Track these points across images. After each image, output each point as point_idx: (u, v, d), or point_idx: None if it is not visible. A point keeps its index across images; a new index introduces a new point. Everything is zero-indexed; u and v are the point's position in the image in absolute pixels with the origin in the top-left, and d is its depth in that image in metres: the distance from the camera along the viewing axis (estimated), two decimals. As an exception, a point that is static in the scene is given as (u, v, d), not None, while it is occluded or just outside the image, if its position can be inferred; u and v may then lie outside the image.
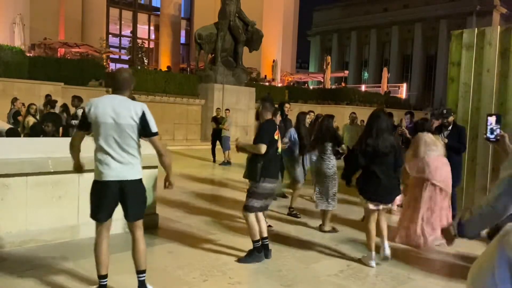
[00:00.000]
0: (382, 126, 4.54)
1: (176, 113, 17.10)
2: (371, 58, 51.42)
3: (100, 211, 3.33)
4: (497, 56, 6.58)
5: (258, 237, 4.46)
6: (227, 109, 13.51)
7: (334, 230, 5.81)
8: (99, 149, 3.26)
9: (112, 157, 3.24)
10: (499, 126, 2.33)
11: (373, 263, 4.51)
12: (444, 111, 6.30)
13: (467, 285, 0.75)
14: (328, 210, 5.78)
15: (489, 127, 2.44)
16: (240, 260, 4.47)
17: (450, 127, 6.30)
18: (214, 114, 14.06)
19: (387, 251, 4.65)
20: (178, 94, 17.85)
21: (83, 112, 3.29)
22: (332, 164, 5.79)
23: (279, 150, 4.62)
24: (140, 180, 3.38)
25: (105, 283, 3.37)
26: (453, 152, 6.06)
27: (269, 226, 5.65)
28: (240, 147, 4.53)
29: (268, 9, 30.90)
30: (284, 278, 4.12)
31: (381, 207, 4.64)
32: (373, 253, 4.55)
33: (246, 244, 5.28)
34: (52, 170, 4.57)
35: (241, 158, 12.82)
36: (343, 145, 5.94)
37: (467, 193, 6.70)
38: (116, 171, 3.24)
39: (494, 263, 0.68)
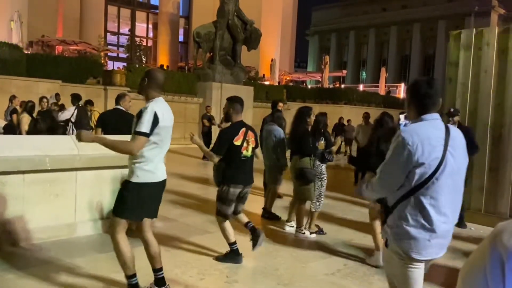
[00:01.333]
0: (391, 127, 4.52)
1: (174, 112, 16.53)
2: (369, 58, 51.47)
3: (156, 208, 3.43)
4: (495, 57, 6.60)
5: (232, 240, 4.44)
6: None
7: (321, 231, 5.65)
8: (157, 151, 3.23)
9: (163, 159, 3.37)
10: (410, 122, 2.42)
11: (381, 263, 4.51)
12: (452, 109, 6.28)
13: (458, 283, 0.75)
14: (314, 211, 5.63)
15: (402, 124, 2.69)
16: (218, 258, 4.48)
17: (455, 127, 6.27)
18: (204, 111, 14.07)
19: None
20: (176, 92, 17.81)
21: (156, 118, 3.13)
22: (318, 163, 5.59)
23: (248, 153, 4.33)
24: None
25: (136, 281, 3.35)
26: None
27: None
28: (195, 143, 4.38)
29: (266, 8, 30.87)
30: (281, 277, 4.12)
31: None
32: (381, 252, 4.55)
33: (244, 243, 5.29)
34: (49, 168, 4.56)
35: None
36: (333, 148, 5.79)
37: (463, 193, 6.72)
38: (164, 172, 3.38)
39: (486, 263, 0.68)
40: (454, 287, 3.20)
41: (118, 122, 5.28)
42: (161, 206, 5.97)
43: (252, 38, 19.79)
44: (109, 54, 26.07)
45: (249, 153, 4.34)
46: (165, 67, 24.75)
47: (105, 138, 3.21)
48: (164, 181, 3.37)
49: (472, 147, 6.19)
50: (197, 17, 28.27)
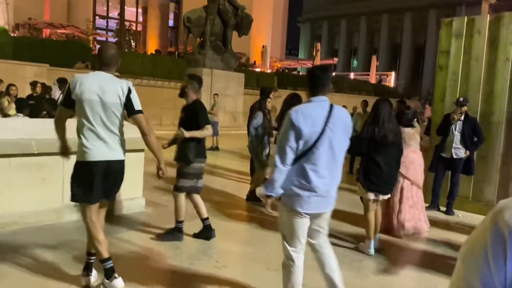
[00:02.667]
0: (387, 115, 4.48)
1: (164, 98, 16.91)
2: (360, 46, 51.40)
3: (91, 192, 3.15)
4: (486, 45, 6.60)
5: (182, 218, 4.51)
6: (215, 94, 13.41)
7: None
8: (84, 128, 3.10)
9: (99, 136, 3.12)
10: None
11: (371, 251, 4.51)
12: (461, 99, 6.29)
13: (458, 263, 0.74)
14: None
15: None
16: (159, 237, 4.50)
17: (462, 117, 6.28)
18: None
19: (376, 244, 4.68)
20: (166, 78, 17.64)
21: (67, 88, 3.12)
22: None
23: None
24: (124, 161, 3.31)
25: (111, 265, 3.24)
26: (470, 145, 6.17)
27: None
28: (189, 136, 4.33)
29: (258, -6, 30.55)
30: (271, 263, 4.13)
31: (380, 197, 4.61)
32: (372, 241, 4.54)
33: (234, 228, 5.29)
34: (36, 152, 4.48)
35: (229, 144, 12.80)
36: None
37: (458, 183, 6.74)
38: (103, 151, 3.14)
39: (487, 241, 0.67)
40: (442, 271, 3.23)
41: None
42: (150, 192, 5.95)
43: (243, 24, 19.59)
44: (98, 38, 25.63)
45: None
46: (154, 52, 24.45)
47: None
48: (103, 162, 3.12)
49: (478, 139, 6.26)
50: (187, 1, 27.85)
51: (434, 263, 4.45)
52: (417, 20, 46.80)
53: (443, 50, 7.10)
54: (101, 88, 3.10)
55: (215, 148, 12.22)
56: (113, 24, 29.96)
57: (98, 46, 24.70)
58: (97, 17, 28.29)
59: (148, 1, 29.00)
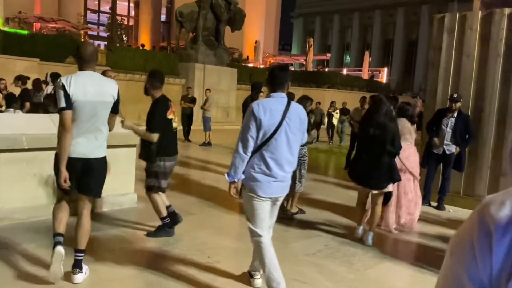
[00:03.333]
0: (377, 110, 4.53)
1: (156, 93, 16.82)
2: (353, 41, 51.43)
3: (73, 184, 3.24)
4: (477, 42, 6.64)
5: (165, 214, 4.47)
6: (207, 89, 13.36)
7: (301, 211, 5.76)
8: (73, 125, 3.14)
9: (85, 134, 3.20)
10: None
11: (358, 234, 4.67)
12: (455, 95, 6.31)
13: (446, 256, 0.75)
14: (296, 192, 5.67)
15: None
16: (149, 234, 4.47)
17: (455, 114, 6.30)
18: (185, 93, 13.88)
19: (370, 240, 4.65)
20: (158, 73, 17.52)
21: (65, 91, 3.07)
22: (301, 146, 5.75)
23: (176, 125, 4.52)
24: (105, 157, 3.40)
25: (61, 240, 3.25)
26: (461, 142, 6.21)
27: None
28: (128, 128, 4.25)
29: (251, -11, 30.41)
30: (262, 258, 4.14)
31: (373, 191, 4.65)
32: (360, 227, 4.68)
33: (227, 224, 5.30)
34: (26, 147, 4.44)
35: (222, 139, 12.76)
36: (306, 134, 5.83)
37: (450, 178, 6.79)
38: (86, 149, 3.22)
39: (474, 234, 0.68)
40: (434, 265, 3.25)
41: None
42: (142, 187, 5.93)
43: (236, 19, 19.52)
44: (89, 32, 25.38)
45: (176, 125, 4.54)
46: (148, 47, 24.29)
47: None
48: (83, 160, 3.20)
49: (469, 136, 6.30)
50: (180, -4, 27.70)
51: (425, 257, 4.49)
52: (410, 16, 46.89)
53: (435, 46, 7.12)
54: (96, 88, 3.19)
55: (208, 144, 12.19)
56: (104, 18, 29.66)
57: (90, 41, 24.56)
58: (88, 11, 28.01)
59: (140, -5, 28.77)
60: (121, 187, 5.34)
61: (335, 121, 15.35)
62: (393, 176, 4.61)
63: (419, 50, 45.04)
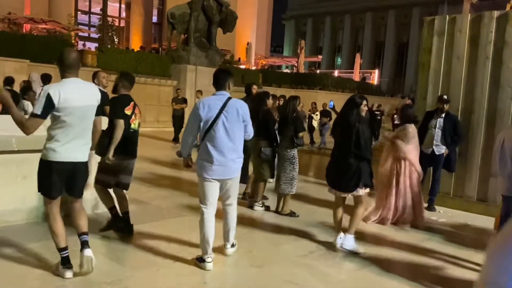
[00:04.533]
0: (346, 111, 4.53)
1: (147, 94, 16.74)
2: (344, 43, 51.72)
3: (53, 188, 3.35)
4: (467, 44, 6.71)
5: (112, 204, 4.53)
6: (198, 91, 13.32)
7: (292, 213, 5.73)
8: (60, 130, 3.24)
9: (73, 139, 3.30)
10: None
11: (337, 243, 4.51)
12: (445, 97, 6.39)
13: (485, 259, 0.73)
14: (286, 194, 5.72)
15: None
16: (100, 230, 4.49)
17: (443, 115, 6.37)
18: (175, 95, 13.85)
19: (346, 245, 4.47)
20: (149, 74, 17.45)
21: (49, 98, 3.12)
22: (290, 148, 5.69)
23: (135, 126, 4.48)
24: (87, 162, 3.52)
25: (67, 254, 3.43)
26: (450, 143, 6.27)
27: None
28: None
29: (243, -9, 30.43)
30: (254, 259, 4.14)
31: (344, 194, 4.58)
32: (340, 234, 4.60)
33: (216, 224, 5.28)
34: (16, 149, 4.40)
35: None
36: (300, 134, 5.71)
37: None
38: (76, 153, 3.34)
39: None
40: (426, 265, 3.26)
41: None
42: (134, 189, 5.91)
43: (228, 21, 19.50)
44: (80, 34, 25.23)
45: (136, 127, 4.51)
46: (137, 48, 24.19)
47: (14, 108, 3.18)
48: (72, 163, 3.32)
49: (457, 136, 6.37)
50: (171, -3, 27.64)
51: (418, 258, 4.51)
52: (400, 18, 47.28)
53: (425, 48, 7.18)
54: (84, 93, 3.31)
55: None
56: (95, 19, 29.50)
57: (80, 42, 24.39)
58: (79, 12, 27.82)
59: (131, -3, 28.66)
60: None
61: (315, 123, 15.14)
62: (363, 180, 4.35)
63: (410, 52, 45.45)
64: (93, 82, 5.69)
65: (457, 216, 6.28)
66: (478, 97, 6.59)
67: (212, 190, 3.82)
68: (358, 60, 34.77)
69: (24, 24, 21.00)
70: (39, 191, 3.42)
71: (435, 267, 4.32)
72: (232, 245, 4.16)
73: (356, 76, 33.25)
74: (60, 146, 3.25)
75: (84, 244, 3.44)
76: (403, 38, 47.52)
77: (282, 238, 4.89)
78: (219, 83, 3.87)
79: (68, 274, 3.37)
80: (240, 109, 3.80)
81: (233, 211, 4.04)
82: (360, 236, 4.90)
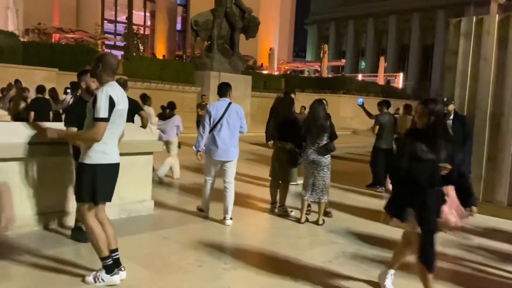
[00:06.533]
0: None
1: (172, 100, 17.00)
2: (368, 47, 51.23)
3: (112, 191, 3.44)
4: (495, 45, 6.54)
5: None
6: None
7: (327, 214, 5.82)
8: (112, 134, 3.33)
9: (116, 141, 3.44)
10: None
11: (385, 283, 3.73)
12: (445, 99, 6.25)
13: None
14: (320, 203, 5.51)
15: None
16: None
17: (451, 117, 6.23)
18: (199, 101, 13.99)
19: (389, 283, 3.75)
20: (173, 81, 17.71)
21: (112, 100, 3.17)
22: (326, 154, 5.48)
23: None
24: None
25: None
26: (461, 145, 6.10)
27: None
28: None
29: (265, -4, 30.60)
30: (279, 264, 4.13)
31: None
32: (391, 271, 3.78)
33: (243, 229, 5.30)
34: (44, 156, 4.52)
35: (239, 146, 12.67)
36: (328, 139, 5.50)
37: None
38: (117, 155, 3.44)
39: None
40: (455, 273, 3.15)
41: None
42: (158, 193, 5.97)
43: (250, 27, 19.64)
44: (106, 42, 25.84)
45: None
46: (160, 56, 24.58)
47: (69, 132, 3.57)
48: (117, 164, 3.42)
49: (465, 137, 6.19)
50: (195, 5, 28.04)
51: (447, 265, 4.41)
52: (425, 21, 46.54)
53: (451, 51, 7.04)
54: (123, 97, 3.38)
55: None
56: (121, 28, 30.19)
57: (107, 51, 24.97)
58: (105, 21, 28.54)
59: (155, 5, 29.20)
60: (139, 194, 5.40)
61: None
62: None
63: (435, 55, 44.65)
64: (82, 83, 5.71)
65: (486, 222, 6.10)
66: (507, 99, 6.41)
67: (215, 167, 5.27)
68: (382, 63, 34.38)
69: (53, 34, 21.66)
70: (85, 199, 3.30)
71: (463, 274, 4.21)
72: (231, 218, 5.27)
73: (381, 79, 32.86)
74: (109, 148, 3.31)
75: (118, 263, 3.46)
76: (428, 41, 46.74)
77: (307, 243, 4.86)
78: (222, 92, 5.26)
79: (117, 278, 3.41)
80: (238, 110, 5.22)
81: (232, 188, 5.27)
82: (384, 242, 4.82)
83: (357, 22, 51.85)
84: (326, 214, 5.83)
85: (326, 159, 5.48)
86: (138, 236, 4.67)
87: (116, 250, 3.48)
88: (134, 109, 5.51)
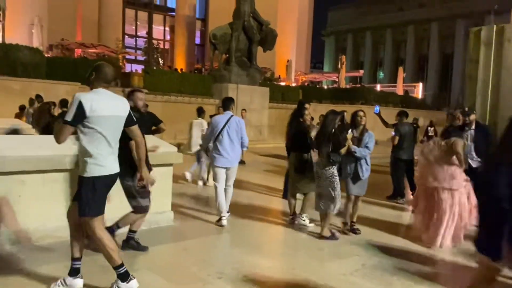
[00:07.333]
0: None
1: (191, 113, 17.05)
2: (386, 57, 50.90)
3: (104, 203, 3.38)
4: (517, 53, 6.45)
5: (135, 228, 4.58)
6: (243, 109, 13.52)
7: (333, 237, 5.34)
8: (102, 144, 3.26)
9: (113, 151, 3.36)
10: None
11: None
12: (466, 109, 6.19)
13: None
14: (328, 213, 5.34)
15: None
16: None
17: (473, 127, 6.13)
18: (216, 112, 14.03)
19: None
20: (193, 94, 17.91)
21: (81, 106, 3.14)
22: (328, 166, 5.29)
23: None
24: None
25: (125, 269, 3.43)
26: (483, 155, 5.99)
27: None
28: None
29: (282, 9, 30.85)
30: (298, 276, 4.10)
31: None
32: None
33: (263, 241, 5.28)
34: (69, 168, 4.61)
35: (255, 157, 12.76)
36: (342, 150, 5.33)
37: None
38: (114, 165, 3.39)
39: None
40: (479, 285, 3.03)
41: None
42: (179, 205, 5.99)
43: (268, 39, 19.78)
44: (127, 56, 26.38)
45: None
46: (179, 70, 24.92)
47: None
48: (115, 175, 3.40)
49: (488, 148, 6.06)
50: (213, 19, 28.42)
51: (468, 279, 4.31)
52: (444, 30, 46.05)
53: (472, 60, 6.98)
54: (115, 104, 3.35)
55: (241, 162, 12.26)
56: (141, 42, 30.79)
57: (127, 65, 25.47)
58: (126, 36, 29.15)
59: (175, 20, 29.70)
60: (158, 205, 5.44)
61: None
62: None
63: (455, 64, 44.02)
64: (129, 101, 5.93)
65: None
66: (531, 108, 6.29)
67: (222, 173, 5.75)
68: (401, 73, 34.09)
69: (76, 49, 22.23)
70: (85, 213, 3.30)
71: None
72: (228, 211, 5.87)
73: (400, 89, 32.56)
74: (104, 159, 3.27)
75: (124, 276, 3.39)
76: (447, 50, 46.18)
77: (327, 255, 4.81)
78: (226, 106, 5.84)
79: (135, 283, 3.39)
80: (238, 123, 5.73)
81: (231, 189, 5.91)
82: (405, 255, 4.74)
83: (375, 33, 51.65)
84: (354, 231, 5.58)
85: (327, 171, 5.25)
86: (158, 247, 4.70)
87: (79, 258, 3.47)
88: (153, 122, 5.59)
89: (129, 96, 4.48)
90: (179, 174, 8.07)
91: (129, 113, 3.50)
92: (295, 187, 5.97)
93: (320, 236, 5.32)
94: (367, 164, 5.69)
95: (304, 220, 5.87)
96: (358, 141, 5.65)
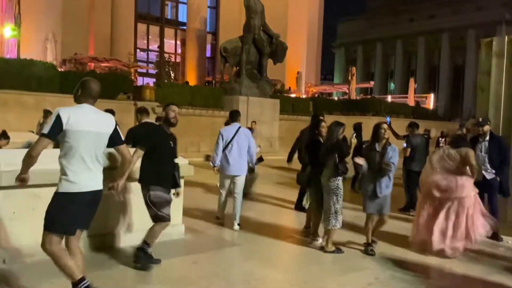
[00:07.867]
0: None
1: (202, 125, 17.27)
2: (397, 68, 50.81)
3: (76, 222, 3.26)
4: (529, 64, 6.40)
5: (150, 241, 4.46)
6: (253, 121, 13.57)
7: (338, 250, 5.20)
8: (75, 159, 3.18)
9: (87, 167, 3.23)
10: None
11: None
12: (480, 119, 6.13)
13: None
14: (331, 229, 5.14)
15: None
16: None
17: (487, 138, 6.07)
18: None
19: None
20: (203, 106, 18.03)
21: (58, 119, 3.12)
22: (334, 177, 5.13)
23: None
24: (102, 190, 3.41)
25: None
26: (498, 167, 5.92)
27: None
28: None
29: (292, 21, 31.02)
30: (310, 290, 4.06)
31: None
32: None
33: (273, 254, 5.26)
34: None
35: (266, 169, 12.75)
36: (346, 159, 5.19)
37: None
38: (90, 182, 3.25)
39: None
40: None
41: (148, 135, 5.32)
42: (190, 218, 6.01)
43: (278, 52, 19.89)
44: (139, 70, 26.67)
45: None
46: (191, 83, 25.14)
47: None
48: (91, 192, 3.24)
49: (501, 161, 5.98)
50: (224, 32, 28.68)
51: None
52: (455, 41, 45.90)
53: (483, 71, 6.93)
54: (97, 120, 3.30)
55: (252, 170, 12.26)
56: (153, 56, 31.15)
57: (139, 78, 25.76)
58: (138, 50, 29.51)
59: (186, 34, 30.03)
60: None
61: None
62: None
63: (467, 75, 43.75)
64: (147, 117, 6.39)
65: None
66: (545, 119, 6.22)
67: (227, 181, 6.24)
68: (412, 84, 33.95)
69: (89, 63, 22.57)
70: (46, 228, 3.17)
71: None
72: (238, 224, 6.02)
73: (411, 101, 32.40)
74: (74, 175, 3.16)
75: None
76: (458, 61, 45.96)
77: (339, 269, 4.77)
78: (233, 118, 6.30)
79: None
80: (245, 134, 6.21)
81: (240, 198, 6.11)
82: (417, 267, 4.67)
83: (385, 44, 51.64)
84: (367, 251, 5.25)
85: (332, 183, 5.09)
86: (169, 261, 4.70)
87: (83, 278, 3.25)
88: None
89: (165, 108, 4.64)
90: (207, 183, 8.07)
91: (116, 131, 3.41)
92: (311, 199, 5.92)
93: (324, 251, 5.19)
94: (389, 180, 5.23)
95: (315, 239, 5.58)
96: (380, 156, 5.20)
